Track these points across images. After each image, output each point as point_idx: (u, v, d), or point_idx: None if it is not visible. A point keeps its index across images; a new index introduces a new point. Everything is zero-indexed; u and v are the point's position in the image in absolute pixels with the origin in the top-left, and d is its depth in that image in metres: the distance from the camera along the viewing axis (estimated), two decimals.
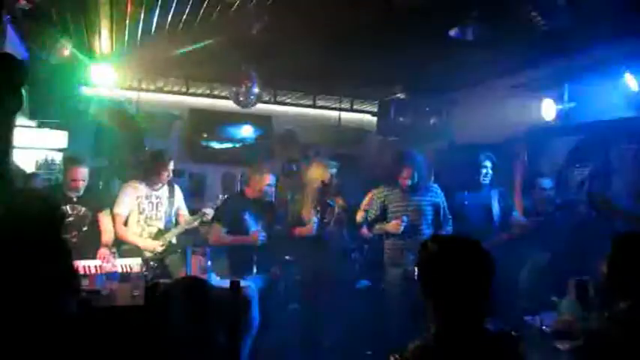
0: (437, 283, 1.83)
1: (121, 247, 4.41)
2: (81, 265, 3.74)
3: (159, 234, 4.49)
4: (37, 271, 2.48)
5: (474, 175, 4.69)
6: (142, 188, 4.53)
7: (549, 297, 3.21)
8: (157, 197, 4.57)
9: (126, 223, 4.49)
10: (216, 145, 6.97)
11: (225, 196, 4.97)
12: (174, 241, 4.58)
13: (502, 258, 2.08)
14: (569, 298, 3.07)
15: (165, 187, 4.62)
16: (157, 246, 4.42)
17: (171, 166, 4.58)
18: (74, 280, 2.80)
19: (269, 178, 4.75)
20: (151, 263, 4.33)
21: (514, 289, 4.38)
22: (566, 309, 3.00)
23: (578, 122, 4.75)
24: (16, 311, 2.41)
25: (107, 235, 4.35)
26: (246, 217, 4.64)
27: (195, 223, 4.64)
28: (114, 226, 4.41)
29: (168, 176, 4.58)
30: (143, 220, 4.51)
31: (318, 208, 4.65)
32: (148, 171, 4.57)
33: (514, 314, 3.23)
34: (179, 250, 4.51)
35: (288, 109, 7.29)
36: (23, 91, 3.06)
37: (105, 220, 4.40)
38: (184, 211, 4.74)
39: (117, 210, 4.46)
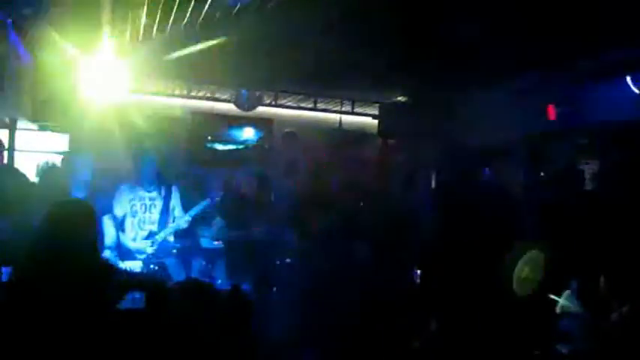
0: (441, 282, 1.84)
1: (122, 249, 4.41)
2: None
3: (150, 236, 4.48)
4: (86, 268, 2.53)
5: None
6: (134, 190, 4.51)
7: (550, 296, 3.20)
8: (151, 199, 4.53)
9: (123, 226, 4.47)
10: (220, 146, 7.02)
11: (222, 194, 4.95)
12: (170, 240, 4.55)
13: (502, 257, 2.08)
14: (570, 299, 3.06)
15: (161, 189, 4.60)
16: (147, 247, 4.40)
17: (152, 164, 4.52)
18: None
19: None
20: (152, 266, 4.32)
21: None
22: (567, 310, 2.99)
23: (579, 125, 4.76)
24: (68, 306, 2.45)
25: (109, 239, 4.35)
26: (245, 213, 4.63)
27: (185, 225, 4.60)
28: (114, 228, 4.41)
29: (154, 174, 4.52)
30: (136, 223, 4.49)
31: (321, 211, 4.64)
32: (137, 172, 4.55)
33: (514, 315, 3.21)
34: (174, 251, 4.51)
35: (289, 112, 7.30)
36: None
37: (107, 223, 4.40)
38: (179, 213, 4.69)
39: (113, 212, 4.47)
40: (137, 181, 4.54)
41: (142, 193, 4.53)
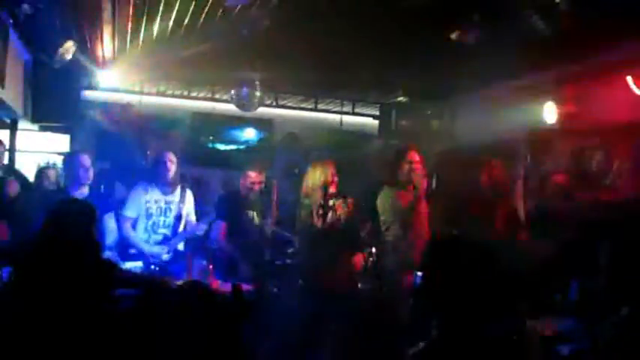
0: (442, 284, 1.82)
1: (128, 250, 4.37)
2: None
3: (164, 241, 4.41)
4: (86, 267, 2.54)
5: None
6: (152, 192, 4.34)
7: (551, 297, 3.19)
8: (167, 202, 4.37)
9: (135, 226, 4.37)
10: (220, 147, 7.04)
11: (222, 194, 4.92)
12: (181, 247, 4.51)
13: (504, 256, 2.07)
14: (571, 300, 3.06)
15: (178, 192, 4.42)
16: (163, 253, 4.34)
17: (170, 158, 4.34)
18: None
19: (252, 175, 4.66)
20: (152, 267, 4.29)
21: (515, 289, 4.34)
22: (568, 311, 2.99)
23: (579, 125, 4.75)
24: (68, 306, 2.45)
25: (110, 238, 4.32)
26: (243, 214, 4.61)
27: (201, 232, 4.55)
28: (121, 228, 4.34)
29: (171, 175, 4.33)
30: (150, 226, 4.34)
31: (320, 212, 4.62)
32: (154, 173, 4.42)
33: (515, 316, 3.20)
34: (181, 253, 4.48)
35: (289, 113, 7.31)
36: None
37: (109, 222, 4.36)
38: (192, 218, 4.56)
39: (125, 212, 4.31)
40: (153, 182, 4.35)
41: (159, 195, 4.36)
